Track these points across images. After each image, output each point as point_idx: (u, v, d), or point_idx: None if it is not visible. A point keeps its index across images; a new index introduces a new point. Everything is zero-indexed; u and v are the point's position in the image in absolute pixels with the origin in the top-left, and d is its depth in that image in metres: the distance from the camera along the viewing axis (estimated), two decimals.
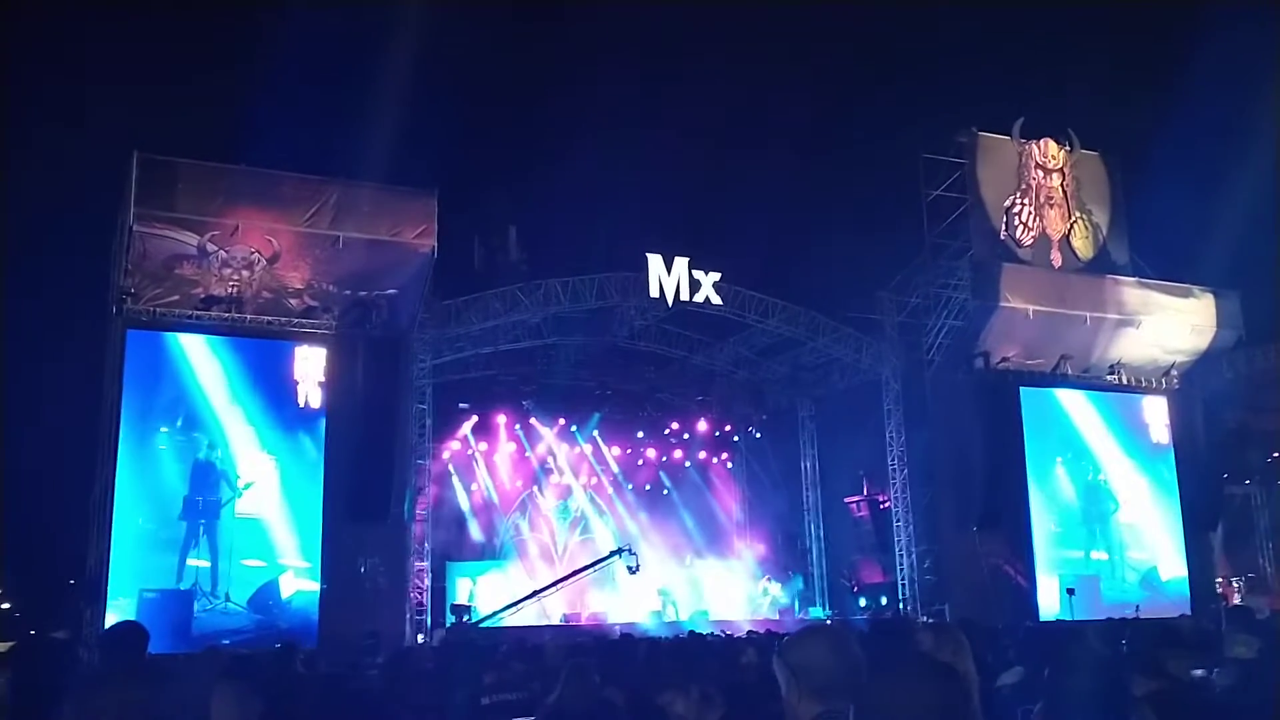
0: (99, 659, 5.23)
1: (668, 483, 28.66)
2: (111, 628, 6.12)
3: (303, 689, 5.99)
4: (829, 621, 22.04)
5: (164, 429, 18.54)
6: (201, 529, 18.56)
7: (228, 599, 18.40)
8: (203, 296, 18.92)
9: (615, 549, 24.90)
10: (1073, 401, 24.76)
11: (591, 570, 24.44)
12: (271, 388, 19.29)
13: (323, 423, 19.31)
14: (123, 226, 18.31)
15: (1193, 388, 25.56)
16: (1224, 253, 23.60)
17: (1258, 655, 5.94)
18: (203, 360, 18.88)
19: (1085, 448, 24.81)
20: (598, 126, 25.42)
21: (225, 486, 18.76)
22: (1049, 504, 24.02)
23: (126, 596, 17.53)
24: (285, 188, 19.23)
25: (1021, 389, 23.96)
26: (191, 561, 18.32)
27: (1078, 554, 24.18)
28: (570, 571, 24.77)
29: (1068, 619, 20.54)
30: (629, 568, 24.16)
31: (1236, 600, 24.09)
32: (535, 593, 23.60)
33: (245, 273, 19.01)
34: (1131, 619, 15.41)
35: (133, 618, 17.07)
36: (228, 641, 17.09)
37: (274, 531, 18.90)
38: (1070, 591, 22.22)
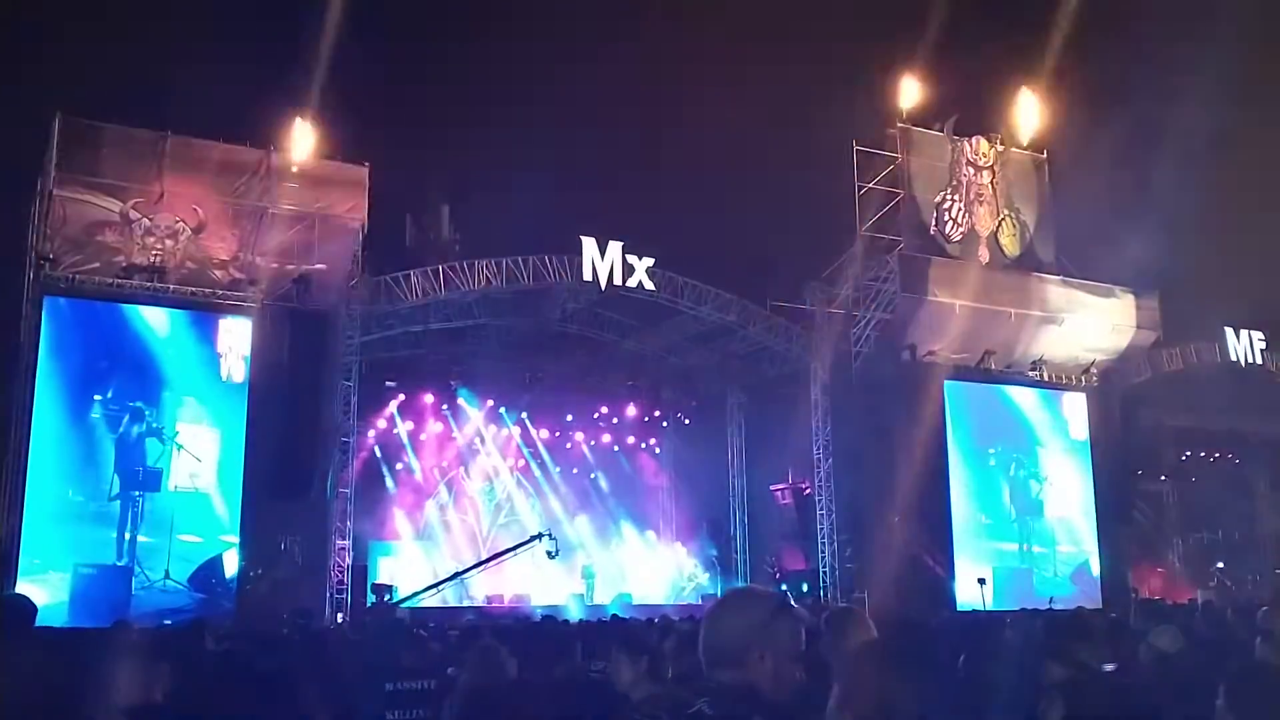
0: None
1: (595, 466, 28.64)
2: None
3: (212, 666, 5.88)
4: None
5: (97, 398, 18.06)
6: (140, 502, 18.10)
7: (167, 576, 17.92)
8: (124, 265, 18.46)
9: (536, 533, 24.84)
10: (1006, 395, 25.20)
11: (512, 553, 24.35)
12: (207, 360, 18.94)
13: (246, 397, 18.97)
14: (42, 190, 17.80)
15: (1111, 386, 26.12)
16: (1145, 254, 24.15)
17: (1178, 651, 6.07)
18: (135, 330, 18.47)
19: (1019, 441, 25.28)
20: (535, 107, 25.25)
21: (159, 449, 18.35)
22: (980, 496, 24.39)
23: (60, 571, 17.06)
24: (213, 156, 18.85)
25: (958, 382, 24.37)
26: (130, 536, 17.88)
27: (1011, 546, 24.60)
28: (491, 554, 24.68)
29: (985, 609, 20.92)
30: (549, 552, 24.10)
31: (1146, 594, 24.75)
32: (456, 574, 23.48)
33: (169, 242, 18.59)
34: (1045, 610, 15.73)
35: (68, 594, 16.74)
36: (169, 621, 16.69)
37: (215, 507, 18.52)
38: (981, 581, 22.62)
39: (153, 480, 18.34)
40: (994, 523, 24.50)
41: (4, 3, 19.42)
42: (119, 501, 18.00)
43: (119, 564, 17.64)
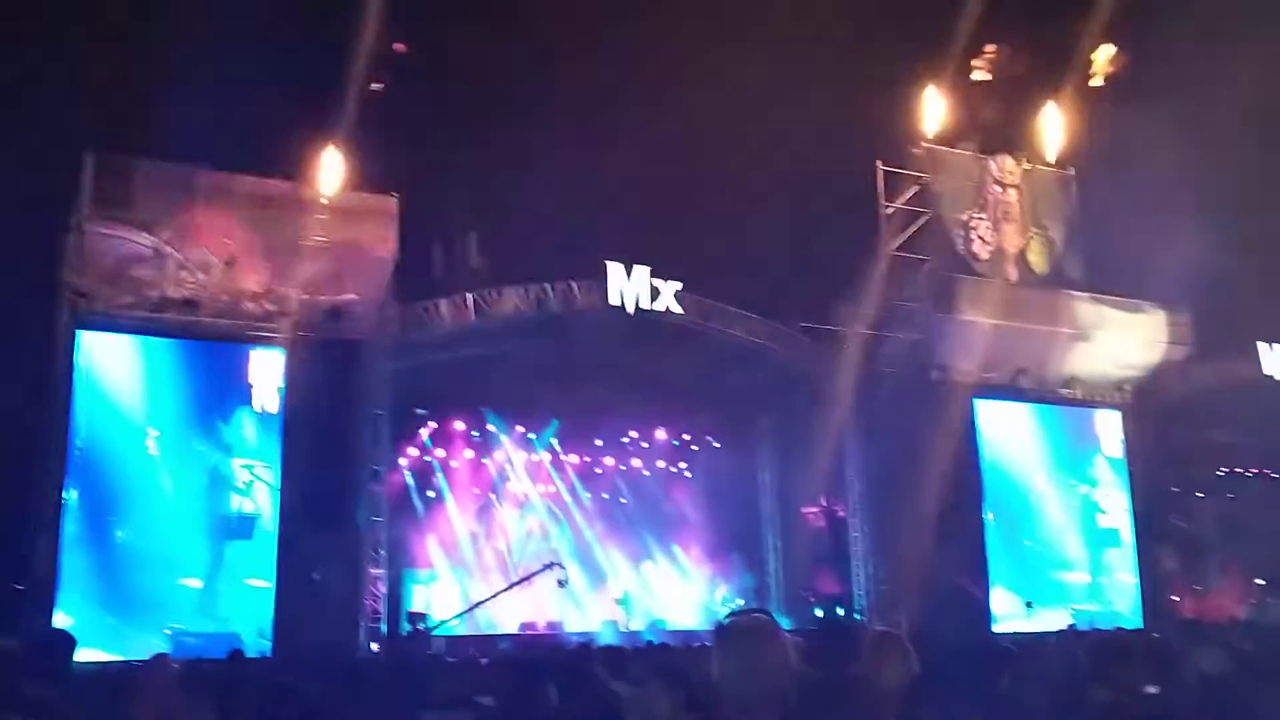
0: (23, 668, 5.10)
1: (625, 491, 28.57)
2: (38, 635, 5.98)
3: (253, 697, 5.90)
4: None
5: (154, 433, 18.13)
6: (225, 550, 18.05)
7: (261, 635, 17.62)
8: (158, 299, 18.64)
9: (546, 563, 24.66)
10: (1047, 414, 25.05)
11: (525, 583, 24.11)
12: (242, 392, 19.04)
13: (279, 429, 19.07)
14: (76, 226, 18.01)
15: (1145, 402, 25.90)
16: (1176, 269, 23.94)
17: (1223, 672, 6.00)
18: (173, 364, 18.62)
19: (1069, 463, 25.11)
20: (560, 134, 25.36)
21: (237, 489, 18.42)
22: (1029, 520, 24.22)
23: (143, 634, 16.38)
24: (244, 190, 19.02)
25: (1001, 401, 24.27)
26: (189, 582, 17.79)
27: (1082, 577, 24.45)
28: (507, 584, 24.44)
29: (1026, 632, 20.71)
30: (559, 581, 23.93)
31: (1188, 614, 24.47)
32: (477, 604, 23.34)
33: (201, 275, 18.74)
34: (1087, 631, 15.56)
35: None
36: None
37: (275, 545, 18.49)
38: (1029, 604, 22.40)
39: (246, 528, 18.17)
40: (1047, 551, 24.23)
41: (33, 42, 19.73)
42: (203, 548, 17.97)
43: (221, 630, 17.18)
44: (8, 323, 18.54)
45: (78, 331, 17.98)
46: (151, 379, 18.43)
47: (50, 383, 18.36)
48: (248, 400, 19.06)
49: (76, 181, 17.86)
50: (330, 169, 19.87)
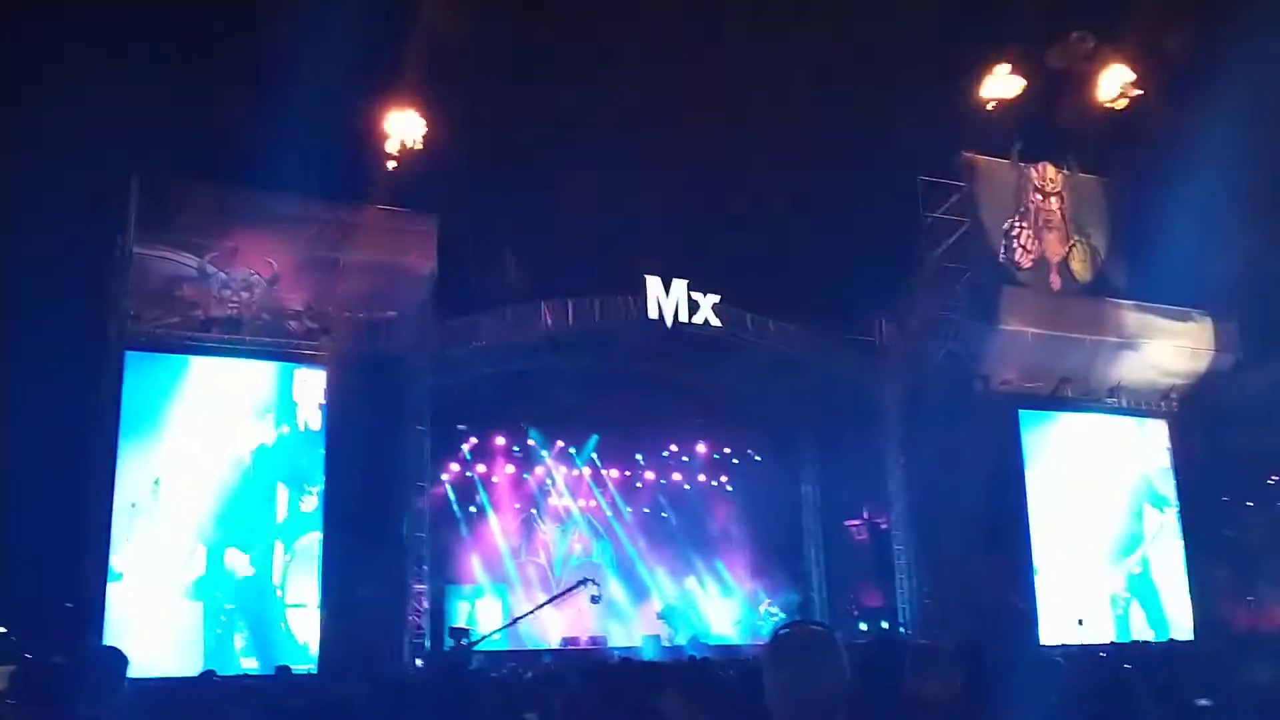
0: (74, 684, 5.14)
1: (666, 505, 28.51)
2: (89, 651, 6.01)
3: (299, 714, 5.94)
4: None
5: (196, 450, 18.36)
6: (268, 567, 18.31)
7: (306, 653, 17.86)
8: (202, 318, 18.87)
9: (580, 579, 24.59)
10: (1093, 425, 24.77)
11: (560, 599, 24.06)
12: (287, 410, 19.26)
13: (323, 445, 19.22)
14: (123, 249, 18.27)
15: (1192, 411, 25.54)
16: (1222, 276, 23.62)
17: (1276, 683, 5.90)
18: (217, 382, 18.83)
19: (1116, 473, 24.84)
20: (597, 148, 25.43)
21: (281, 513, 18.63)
22: (1076, 532, 23.94)
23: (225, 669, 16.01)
24: (285, 209, 19.23)
25: (1046, 413, 24.09)
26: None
27: (1131, 589, 24.14)
28: (543, 601, 24.42)
29: (1076, 645, 20.44)
30: (592, 598, 23.87)
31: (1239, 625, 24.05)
32: (515, 619, 23.33)
33: (245, 294, 18.97)
34: (1138, 643, 15.34)
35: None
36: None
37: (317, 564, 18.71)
38: (1080, 621, 22.11)
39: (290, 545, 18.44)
40: (1095, 562, 23.98)
41: (77, 67, 20.07)
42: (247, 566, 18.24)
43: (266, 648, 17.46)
44: (57, 345, 18.85)
45: (125, 352, 18.21)
46: (196, 398, 18.64)
47: (98, 403, 18.64)
48: (292, 418, 19.22)
49: (122, 204, 18.13)
50: (370, 185, 20.06)
